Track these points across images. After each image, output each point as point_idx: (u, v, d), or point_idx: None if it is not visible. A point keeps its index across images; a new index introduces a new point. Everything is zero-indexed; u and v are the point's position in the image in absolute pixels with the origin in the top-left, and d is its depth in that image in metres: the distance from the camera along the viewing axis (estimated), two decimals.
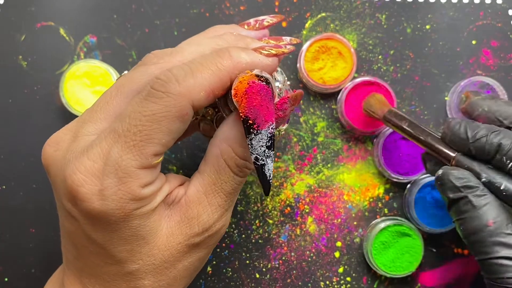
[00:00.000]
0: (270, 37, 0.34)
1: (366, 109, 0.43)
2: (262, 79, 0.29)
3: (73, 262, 0.32)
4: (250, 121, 0.29)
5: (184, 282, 0.32)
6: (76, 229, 0.30)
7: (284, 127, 0.37)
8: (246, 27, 0.35)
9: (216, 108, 0.34)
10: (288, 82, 0.38)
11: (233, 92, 0.29)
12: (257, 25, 0.36)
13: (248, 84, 0.29)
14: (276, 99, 0.31)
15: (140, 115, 0.28)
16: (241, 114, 0.29)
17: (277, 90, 0.34)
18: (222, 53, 0.30)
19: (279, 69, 0.35)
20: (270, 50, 0.31)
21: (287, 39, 0.34)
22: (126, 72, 0.33)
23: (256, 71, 0.29)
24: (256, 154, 0.29)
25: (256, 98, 0.29)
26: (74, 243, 0.31)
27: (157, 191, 0.30)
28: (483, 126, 0.35)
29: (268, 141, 0.29)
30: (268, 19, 0.36)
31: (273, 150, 0.30)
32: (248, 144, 0.29)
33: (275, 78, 0.36)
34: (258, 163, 0.29)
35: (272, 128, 0.29)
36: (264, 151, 0.29)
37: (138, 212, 0.29)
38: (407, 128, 0.39)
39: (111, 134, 0.28)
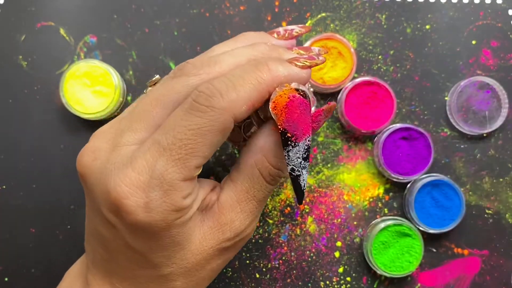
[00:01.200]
0: (299, 47, 0.34)
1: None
2: (301, 93, 0.30)
3: (102, 263, 0.32)
4: (289, 134, 0.30)
5: (210, 280, 0.34)
6: (114, 237, 0.30)
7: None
8: (275, 35, 0.36)
9: (248, 119, 0.34)
10: (312, 89, 0.38)
11: (271, 105, 0.30)
12: (286, 35, 0.36)
13: (288, 98, 0.30)
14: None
15: (185, 129, 0.28)
16: (279, 127, 0.30)
17: None
18: (261, 66, 0.30)
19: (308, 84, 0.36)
20: (305, 62, 0.32)
21: (315, 49, 0.34)
22: (157, 76, 0.33)
23: (294, 85, 0.30)
24: (293, 165, 0.30)
25: (295, 112, 0.30)
26: (108, 248, 0.31)
27: (194, 200, 0.30)
28: None
29: (305, 153, 0.30)
30: (297, 30, 0.36)
31: (308, 162, 0.30)
32: (285, 155, 0.30)
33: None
34: (294, 173, 0.30)
35: (308, 140, 0.30)
36: (301, 162, 0.30)
37: (178, 221, 0.29)
38: None
39: (155, 146, 0.28)
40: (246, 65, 0.31)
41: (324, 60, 0.33)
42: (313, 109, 0.33)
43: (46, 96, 0.45)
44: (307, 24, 0.46)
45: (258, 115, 0.33)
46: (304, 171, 0.30)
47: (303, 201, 0.34)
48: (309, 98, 0.30)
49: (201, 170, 0.30)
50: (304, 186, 0.31)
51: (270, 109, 0.30)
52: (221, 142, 0.30)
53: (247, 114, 0.30)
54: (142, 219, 0.28)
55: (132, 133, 0.30)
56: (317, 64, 0.32)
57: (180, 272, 0.31)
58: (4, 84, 0.45)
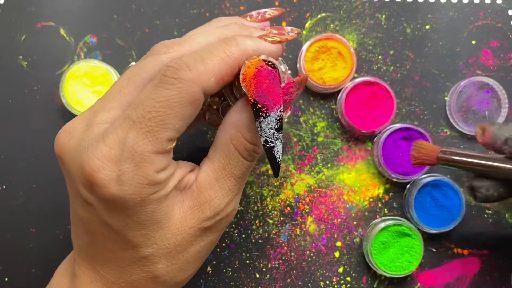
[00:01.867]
0: (272, 27, 0.35)
1: (417, 159, 0.40)
2: (269, 63, 0.30)
3: (85, 250, 0.32)
4: (259, 105, 0.30)
5: (195, 265, 0.33)
6: (92, 216, 0.30)
7: (287, 115, 0.38)
8: (248, 19, 0.37)
9: (222, 97, 0.35)
10: (289, 71, 0.39)
11: (241, 77, 0.30)
12: (259, 17, 0.37)
13: (256, 68, 0.30)
14: (282, 85, 0.32)
15: (154, 102, 0.28)
16: (250, 98, 0.30)
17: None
18: (229, 41, 0.31)
19: (280, 58, 0.36)
20: (274, 37, 0.33)
21: (288, 29, 0.35)
22: (133, 63, 0.34)
23: (263, 57, 0.31)
24: (266, 136, 0.31)
25: (264, 82, 0.30)
26: (89, 230, 0.31)
27: (170, 177, 0.30)
28: None
29: (277, 124, 0.30)
30: (269, 12, 0.37)
31: (281, 133, 0.31)
32: (258, 127, 0.30)
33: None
34: (267, 145, 0.31)
35: (280, 111, 0.30)
36: (273, 133, 0.31)
37: (153, 197, 0.29)
38: (467, 159, 0.38)
39: (126, 121, 0.29)
40: (215, 41, 0.32)
41: (295, 36, 0.34)
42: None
43: (46, 96, 0.45)
44: (306, 25, 0.46)
45: (234, 95, 0.33)
46: (277, 142, 0.31)
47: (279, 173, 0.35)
48: (278, 69, 0.31)
49: (174, 144, 0.30)
50: (279, 158, 0.31)
51: (239, 82, 0.30)
52: (193, 115, 0.30)
53: (217, 87, 0.30)
54: (115, 192, 0.29)
55: (105, 112, 0.31)
56: (287, 40, 0.33)
57: (162, 254, 0.31)
58: (4, 84, 0.45)
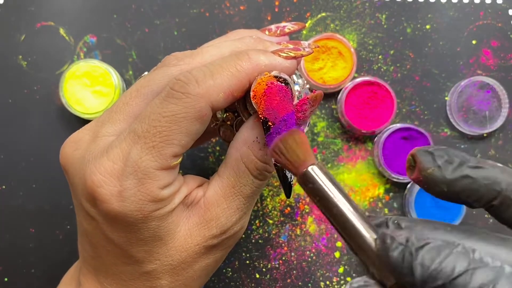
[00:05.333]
0: (289, 42, 0.34)
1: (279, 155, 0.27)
2: (280, 79, 0.29)
3: (90, 261, 0.32)
4: (270, 122, 0.28)
5: (200, 282, 0.33)
6: (94, 229, 0.30)
7: (305, 130, 0.36)
8: (267, 32, 0.35)
9: (236, 113, 0.34)
10: (308, 86, 0.37)
11: (252, 93, 0.29)
12: (278, 31, 0.36)
13: (266, 85, 0.29)
14: (296, 101, 0.30)
15: (160, 116, 0.28)
16: (260, 115, 0.29)
17: (297, 93, 0.34)
18: (241, 55, 0.30)
19: (297, 72, 0.35)
20: (289, 53, 0.31)
21: (305, 43, 0.33)
22: (146, 73, 0.33)
23: (274, 73, 0.29)
24: None
25: (275, 99, 0.29)
26: (92, 242, 0.31)
27: (175, 193, 0.30)
28: None
29: None
30: (289, 26, 0.36)
31: None
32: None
33: (294, 81, 0.35)
34: (278, 164, 0.29)
35: None
36: None
37: (156, 213, 0.29)
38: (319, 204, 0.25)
39: (130, 135, 0.28)
40: (227, 55, 0.30)
41: (310, 52, 0.32)
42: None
43: (46, 96, 0.45)
44: (306, 24, 0.46)
45: (248, 111, 0.32)
46: None
47: (292, 195, 0.33)
48: (290, 86, 0.29)
49: (180, 159, 0.29)
50: (291, 177, 0.29)
51: (250, 98, 0.29)
52: (200, 131, 0.29)
53: (226, 103, 0.29)
54: (116, 208, 0.28)
55: (111, 124, 0.30)
56: (302, 56, 0.32)
57: (165, 270, 0.31)
58: (4, 84, 0.45)
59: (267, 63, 0.30)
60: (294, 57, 0.31)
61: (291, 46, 0.33)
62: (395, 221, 0.25)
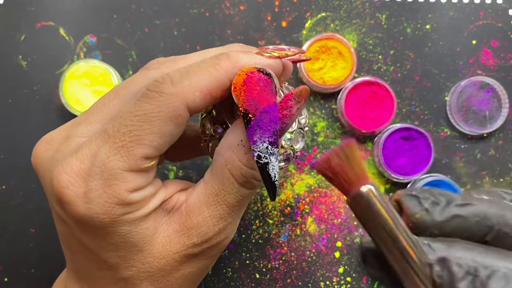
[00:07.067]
0: (274, 48, 0.32)
1: (328, 170, 0.25)
2: (262, 70, 0.27)
3: (70, 265, 0.31)
4: (250, 115, 0.26)
5: None
6: (68, 232, 0.29)
7: (301, 146, 0.33)
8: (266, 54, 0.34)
9: (224, 124, 0.31)
10: (290, 86, 0.35)
11: (232, 87, 0.27)
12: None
13: (246, 74, 0.27)
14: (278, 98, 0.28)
15: (131, 115, 0.26)
16: (240, 108, 0.26)
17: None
18: (221, 55, 0.28)
19: (286, 83, 0.33)
20: (272, 53, 0.29)
21: (288, 47, 0.32)
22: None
23: (256, 65, 0.28)
24: (258, 151, 0.26)
25: (255, 89, 0.26)
26: (68, 245, 0.30)
27: (149, 197, 0.28)
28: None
29: (271, 136, 0.26)
30: (290, 51, 0.34)
31: (277, 147, 0.26)
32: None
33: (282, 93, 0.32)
34: (260, 161, 0.26)
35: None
36: (267, 147, 0.26)
37: (126, 218, 0.27)
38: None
39: (102, 134, 0.27)
40: (208, 57, 0.29)
41: (296, 53, 0.30)
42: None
43: (46, 96, 0.45)
44: (306, 24, 0.46)
45: (234, 118, 0.30)
46: (272, 158, 0.26)
47: (276, 196, 0.31)
48: (272, 78, 0.27)
49: (153, 163, 0.28)
50: (275, 177, 0.26)
51: (232, 93, 0.27)
52: (175, 133, 0.27)
53: (204, 102, 0.28)
54: (82, 211, 0.26)
55: (86, 125, 0.29)
56: (287, 55, 0.30)
57: (143, 277, 0.29)
58: (4, 84, 0.45)
59: (247, 61, 0.28)
60: (278, 57, 0.29)
61: (271, 47, 0.31)
62: (426, 243, 0.23)
